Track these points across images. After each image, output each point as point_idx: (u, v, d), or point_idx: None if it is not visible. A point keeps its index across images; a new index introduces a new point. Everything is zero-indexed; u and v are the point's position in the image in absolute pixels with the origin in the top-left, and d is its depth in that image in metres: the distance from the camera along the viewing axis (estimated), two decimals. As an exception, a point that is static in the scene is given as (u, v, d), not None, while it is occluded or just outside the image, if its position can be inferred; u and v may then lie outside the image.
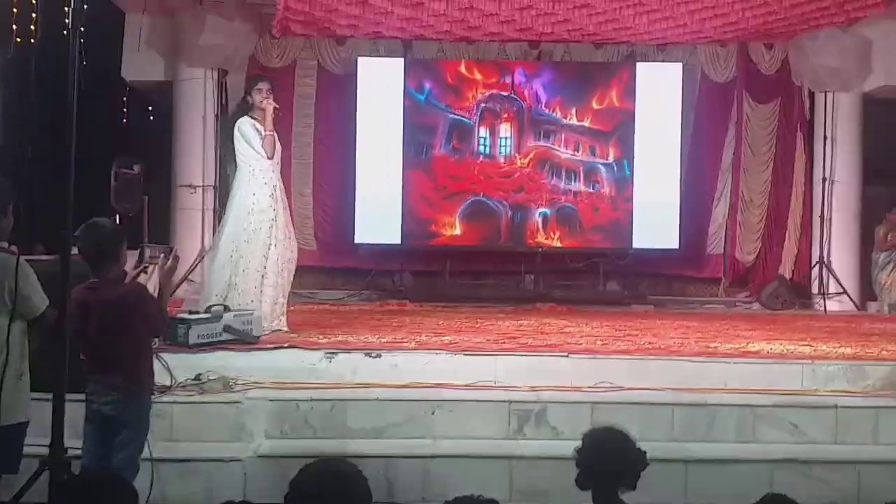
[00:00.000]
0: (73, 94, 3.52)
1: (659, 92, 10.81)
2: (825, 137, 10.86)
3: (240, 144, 6.42)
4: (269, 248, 6.33)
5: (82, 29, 3.61)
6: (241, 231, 6.29)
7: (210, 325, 5.62)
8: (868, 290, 10.80)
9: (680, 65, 10.90)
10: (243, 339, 5.71)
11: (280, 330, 6.40)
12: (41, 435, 3.64)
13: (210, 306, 5.90)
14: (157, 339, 5.01)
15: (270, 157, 6.40)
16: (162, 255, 4.14)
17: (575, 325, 7.65)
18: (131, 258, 4.25)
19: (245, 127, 6.41)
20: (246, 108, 6.51)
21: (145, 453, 3.97)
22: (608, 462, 3.16)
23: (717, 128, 11.28)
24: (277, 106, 6.50)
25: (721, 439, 5.10)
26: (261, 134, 6.38)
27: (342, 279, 11.11)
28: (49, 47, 8.86)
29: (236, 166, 6.51)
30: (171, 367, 5.16)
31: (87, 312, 3.81)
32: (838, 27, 10.09)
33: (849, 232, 10.90)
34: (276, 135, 6.44)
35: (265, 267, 6.33)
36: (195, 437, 4.91)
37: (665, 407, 5.15)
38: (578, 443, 3.28)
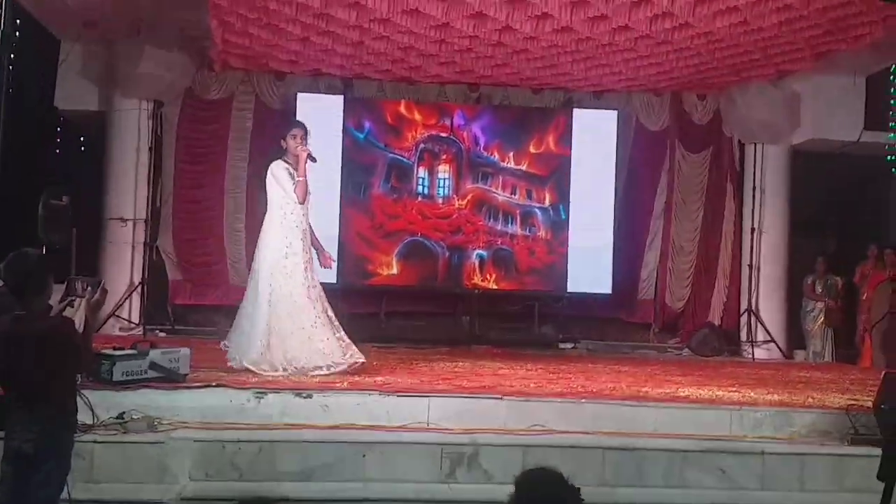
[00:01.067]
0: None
1: (594, 138, 11.02)
2: (754, 188, 11.19)
3: (272, 187, 6.55)
4: (308, 289, 6.44)
5: (12, 56, 3.54)
6: (278, 275, 6.40)
7: (135, 362, 5.49)
8: (795, 338, 11.09)
9: (615, 112, 11.13)
10: (170, 377, 5.58)
11: (358, 361, 6.55)
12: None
13: (136, 343, 5.77)
14: (79, 376, 4.86)
15: (302, 202, 6.52)
16: (89, 289, 4.02)
17: (509, 368, 7.67)
18: (58, 291, 4.13)
19: (278, 170, 6.53)
20: (280, 153, 6.63)
21: (64, 494, 3.84)
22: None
23: (650, 175, 11.51)
24: (310, 151, 6.60)
25: (650, 484, 5.15)
26: (293, 178, 6.48)
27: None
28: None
29: (266, 209, 6.61)
30: (94, 404, 5.01)
31: (9, 346, 3.69)
32: (768, 80, 10.44)
33: (776, 281, 11.18)
34: (307, 180, 6.54)
35: (314, 308, 6.45)
36: (117, 477, 4.77)
37: (596, 451, 5.18)
38: (512, 488, 3.23)
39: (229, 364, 6.40)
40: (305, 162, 6.51)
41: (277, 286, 6.37)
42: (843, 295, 10.87)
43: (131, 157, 10.49)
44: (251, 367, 6.25)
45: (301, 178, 6.49)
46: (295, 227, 6.48)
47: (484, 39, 8.92)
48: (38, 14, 9.61)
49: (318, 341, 6.44)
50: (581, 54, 9.43)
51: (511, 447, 5.13)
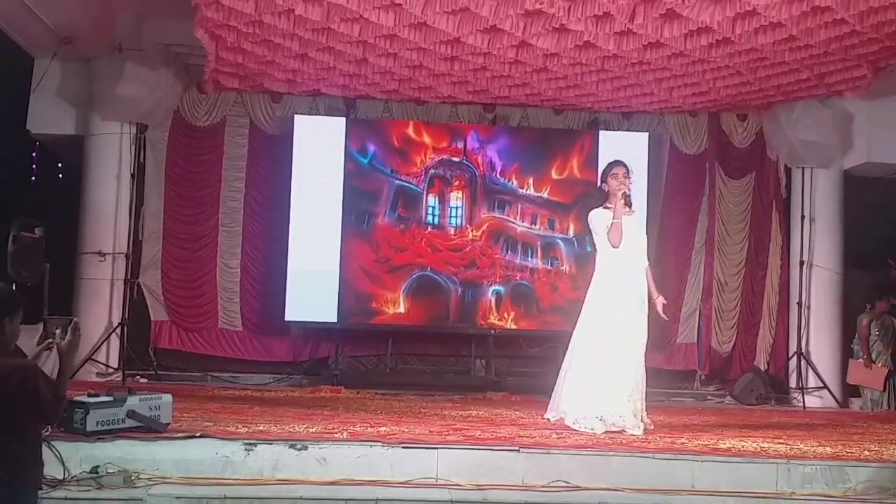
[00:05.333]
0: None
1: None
2: (803, 217, 11.15)
3: (594, 235, 6.95)
4: (641, 336, 6.79)
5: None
6: (590, 324, 6.80)
7: (111, 410, 5.48)
8: (850, 384, 10.95)
9: (646, 134, 11.15)
10: (149, 427, 5.58)
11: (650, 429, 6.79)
12: None
13: (112, 389, 5.78)
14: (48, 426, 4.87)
15: (616, 247, 6.79)
16: (58, 330, 4.05)
17: (529, 417, 7.64)
18: (33, 333, 4.17)
19: (595, 217, 6.90)
20: (602, 197, 6.92)
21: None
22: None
23: (687, 204, 11.50)
24: (628, 192, 6.86)
25: (687, 547, 5.09)
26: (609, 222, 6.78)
27: (269, 361, 11.00)
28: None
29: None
30: (65, 457, 5.02)
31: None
32: (818, 99, 10.43)
33: (829, 320, 11.11)
34: (622, 222, 6.77)
35: (630, 361, 6.75)
36: (89, 539, 4.75)
37: (626, 509, 5.13)
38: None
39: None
40: (620, 201, 6.76)
41: (590, 336, 6.76)
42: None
43: (111, 186, 10.60)
44: (549, 417, 6.81)
45: (616, 221, 6.74)
46: (610, 276, 6.77)
47: (499, 57, 8.98)
48: (10, 30, 9.76)
49: (626, 396, 6.69)
50: (608, 73, 9.47)
51: (530, 505, 5.10)
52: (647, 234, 10.69)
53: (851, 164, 11.20)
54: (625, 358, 6.71)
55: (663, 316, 7.02)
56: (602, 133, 11.11)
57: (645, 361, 6.87)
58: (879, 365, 10.56)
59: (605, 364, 6.71)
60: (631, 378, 6.73)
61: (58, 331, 4.08)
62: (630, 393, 6.71)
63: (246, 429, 6.02)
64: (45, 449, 4.41)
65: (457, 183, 10.93)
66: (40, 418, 4.03)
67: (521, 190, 10.94)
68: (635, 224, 6.99)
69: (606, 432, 6.49)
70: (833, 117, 10.79)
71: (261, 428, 6.10)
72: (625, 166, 7.00)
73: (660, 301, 6.99)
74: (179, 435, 5.60)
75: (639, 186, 10.90)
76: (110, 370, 10.31)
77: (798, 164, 11.20)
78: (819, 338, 11.06)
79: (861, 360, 10.61)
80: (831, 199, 11.23)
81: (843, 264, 11.23)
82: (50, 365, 4.23)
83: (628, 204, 6.86)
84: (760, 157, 11.46)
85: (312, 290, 10.60)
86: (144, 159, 10.82)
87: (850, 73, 9.29)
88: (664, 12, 7.91)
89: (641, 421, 6.73)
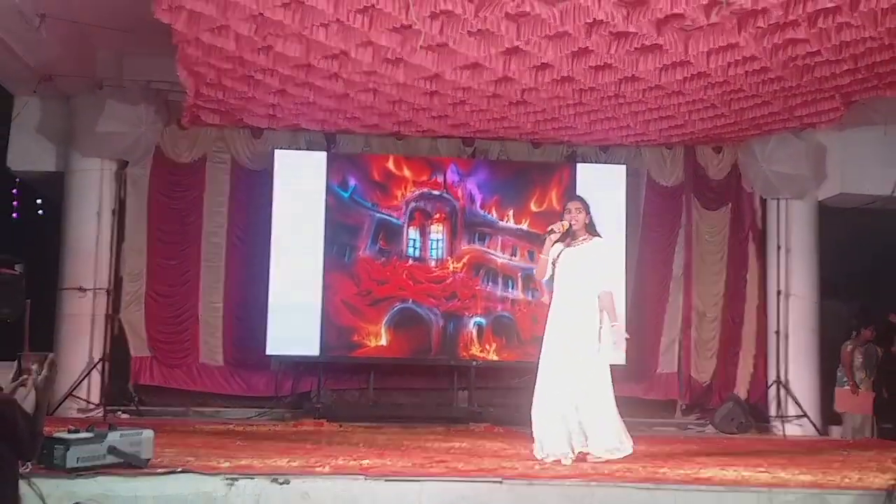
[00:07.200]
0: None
1: (601, 194, 10.98)
2: (779, 247, 11.22)
3: None
4: (549, 370, 6.84)
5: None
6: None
7: (92, 446, 5.42)
8: (830, 412, 10.97)
9: (623, 166, 11.22)
10: (130, 463, 5.52)
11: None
12: None
13: (93, 424, 5.72)
14: (29, 462, 4.81)
15: (539, 279, 7.05)
16: (35, 366, 4.00)
17: (512, 448, 7.60)
18: (10, 369, 4.13)
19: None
20: (565, 234, 6.81)
21: None
22: None
23: (665, 234, 11.55)
24: (565, 223, 6.80)
25: (671, 577, 5.05)
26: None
27: (251, 396, 10.92)
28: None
29: None
30: (45, 494, 4.94)
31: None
32: (791, 132, 10.53)
33: (807, 349, 11.15)
34: (550, 258, 6.80)
35: (547, 388, 6.76)
36: (69, 577, 4.68)
37: (609, 540, 5.10)
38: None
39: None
40: (550, 237, 6.77)
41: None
42: (882, 365, 10.76)
43: (92, 222, 10.56)
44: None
45: (543, 257, 6.80)
46: (551, 309, 6.96)
47: (479, 91, 9.03)
48: (-11, 67, 9.74)
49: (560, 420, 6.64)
50: (585, 107, 9.53)
51: (513, 537, 5.06)
52: (624, 262, 10.80)
53: (825, 196, 11.30)
54: (558, 383, 6.73)
55: (609, 336, 6.96)
56: (580, 166, 11.17)
57: (603, 388, 6.93)
58: (863, 390, 10.57)
59: (540, 393, 6.78)
60: (565, 403, 6.69)
61: (34, 367, 4.03)
62: (565, 417, 6.66)
63: (228, 463, 5.95)
64: (24, 486, 4.36)
65: (437, 216, 10.94)
66: (17, 454, 3.97)
67: (500, 222, 10.97)
68: (583, 255, 6.86)
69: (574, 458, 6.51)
70: (807, 149, 10.89)
71: (243, 462, 6.03)
72: (578, 200, 7.01)
73: (614, 327, 6.99)
74: (160, 470, 5.54)
75: (616, 216, 11.01)
76: (91, 406, 10.20)
77: (773, 195, 11.29)
78: (797, 366, 11.09)
79: (847, 388, 10.61)
80: (806, 229, 11.32)
81: (819, 293, 11.28)
82: (29, 403, 4.18)
83: (574, 237, 6.85)
84: (736, 188, 11.55)
85: (294, 324, 10.55)
86: (125, 195, 10.78)
87: (822, 106, 9.37)
88: (639, 46, 7.95)
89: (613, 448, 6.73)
